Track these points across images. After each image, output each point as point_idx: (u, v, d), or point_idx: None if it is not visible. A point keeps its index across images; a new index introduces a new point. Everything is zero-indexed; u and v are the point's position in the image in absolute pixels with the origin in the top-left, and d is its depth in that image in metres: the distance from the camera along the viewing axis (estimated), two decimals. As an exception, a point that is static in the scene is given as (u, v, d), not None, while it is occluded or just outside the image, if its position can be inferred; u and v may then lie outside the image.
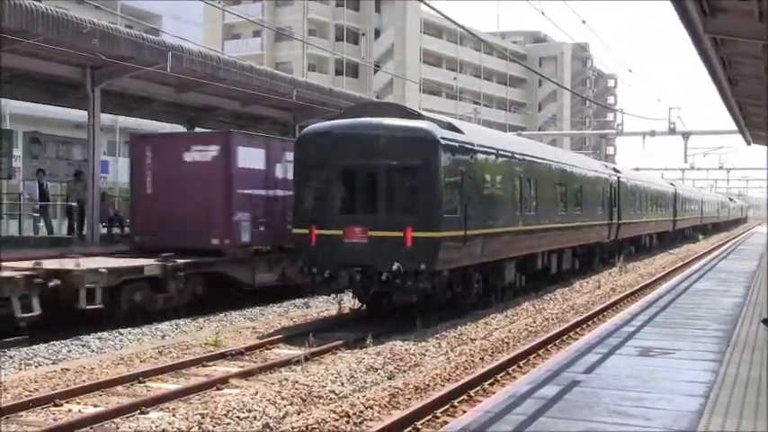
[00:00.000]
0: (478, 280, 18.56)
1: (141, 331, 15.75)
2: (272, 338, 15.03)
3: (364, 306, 17.62)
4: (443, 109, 72.72)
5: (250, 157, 19.82)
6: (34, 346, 13.88)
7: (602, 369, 10.41)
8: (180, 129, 29.46)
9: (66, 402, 10.46)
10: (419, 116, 17.25)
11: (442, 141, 16.33)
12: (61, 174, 26.57)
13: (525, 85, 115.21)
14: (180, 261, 17.68)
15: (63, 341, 14.42)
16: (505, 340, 15.12)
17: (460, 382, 11.27)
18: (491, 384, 11.65)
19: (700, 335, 13.20)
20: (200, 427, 9.10)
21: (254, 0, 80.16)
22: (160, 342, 14.91)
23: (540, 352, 14.18)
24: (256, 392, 10.45)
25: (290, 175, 18.93)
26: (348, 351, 14.04)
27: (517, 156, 21.03)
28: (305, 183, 17.42)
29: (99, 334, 15.16)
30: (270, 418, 9.60)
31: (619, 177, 34.24)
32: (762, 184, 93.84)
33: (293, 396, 10.44)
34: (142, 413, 9.95)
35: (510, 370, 12.58)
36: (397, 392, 10.82)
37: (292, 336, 15.32)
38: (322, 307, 19.45)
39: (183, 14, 50.08)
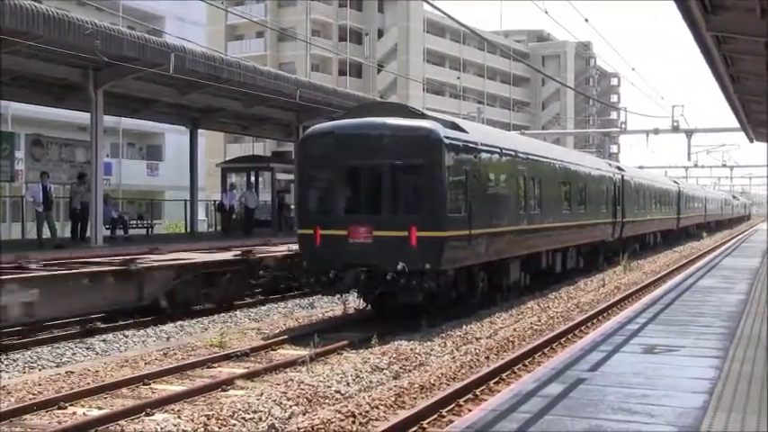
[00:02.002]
0: (483, 279, 18.53)
1: (146, 333, 15.77)
2: (277, 339, 15.02)
3: (369, 306, 17.61)
4: (447, 108, 72.74)
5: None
6: (38, 349, 13.90)
7: (607, 367, 10.40)
8: (183, 130, 29.50)
9: (71, 405, 10.45)
10: (423, 116, 17.20)
11: (446, 140, 16.29)
12: (64, 176, 26.59)
13: (528, 84, 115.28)
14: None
15: (67, 344, 14.44)
16: (511, 339, 15.11)
17: (466, 381, 11.27)
18: (496, 383, 11.64)
19: (704, 332, 13.17)
20: (205, 429, 9.10)
21: (257, 1, 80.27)
22: (165, 344, 14.91)
23: (546, 350, 14.16)
24: (262, 393, 10.46)
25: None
26: (353, 351, 14.02)
27: (521, 155, 21.00)
28: (309, 183, 17.42)
29: (103, 336, 15.20)
30: (275, 418, 9.61)
31: (623, 175, 34.18)
32: (764, 182, 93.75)
33: (299, 396, 10.44)
34: (147, 415, 9.94)
35: (515, 368, 12.57)
36: (403, 392, 10.82)
37: (297, 336, 15.28)
38: (327, 307, 19.43)
39: (185, 15, 50.11)
